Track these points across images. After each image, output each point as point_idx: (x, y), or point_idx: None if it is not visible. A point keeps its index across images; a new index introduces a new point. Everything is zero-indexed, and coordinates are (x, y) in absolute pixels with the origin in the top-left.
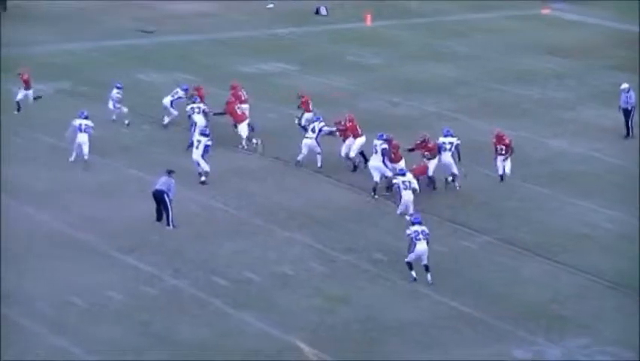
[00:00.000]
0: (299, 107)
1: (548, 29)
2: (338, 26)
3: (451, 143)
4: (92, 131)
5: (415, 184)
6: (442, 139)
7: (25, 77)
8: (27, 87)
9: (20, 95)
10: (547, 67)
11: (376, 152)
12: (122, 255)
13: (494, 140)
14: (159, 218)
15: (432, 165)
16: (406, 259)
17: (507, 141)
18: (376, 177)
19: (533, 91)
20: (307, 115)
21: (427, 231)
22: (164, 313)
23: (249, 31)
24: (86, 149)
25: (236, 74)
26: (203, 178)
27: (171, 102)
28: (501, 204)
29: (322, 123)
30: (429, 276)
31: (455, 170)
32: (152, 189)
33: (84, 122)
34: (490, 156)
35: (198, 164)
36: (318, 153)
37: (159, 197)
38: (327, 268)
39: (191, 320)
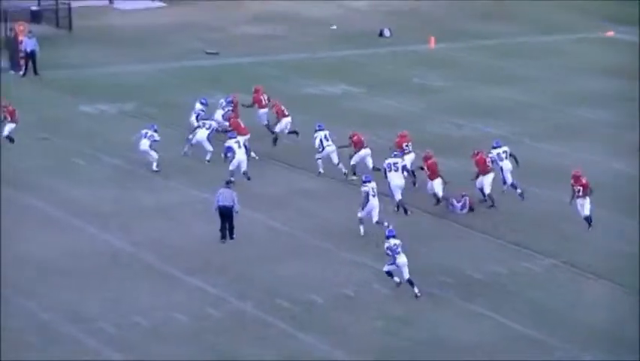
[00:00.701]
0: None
1: (612, 52)
2: (402, 48)
3: (505, 151)
4: (154, 142)
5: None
6: (494, 151)
7: (10, 108)
8: (12, 120)
9: (7, 130)
10: (612, 89)
11: (397, 170)
12: (186, 276)
13: (572, 181)
14: (224, 237)
15: (487, 181)
16: (385, 269)
17: (584, 181)
18: (398, 196)
19: (598, 114)
20: (286, 120)
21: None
22: (229, 335)
23: (312, 52)
24: (149, 157)
25: (301, 96)
26: (237, 178)
27: (222, 116)
28: (565, 226)
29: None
30: (416, 289)
31: (510, 178)
32: (217, 205)
33: (150, 131)
34: (555, 178)
35: (239, 165)
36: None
37: (227, 213)
38: (390, 290)
39: (255, 341)
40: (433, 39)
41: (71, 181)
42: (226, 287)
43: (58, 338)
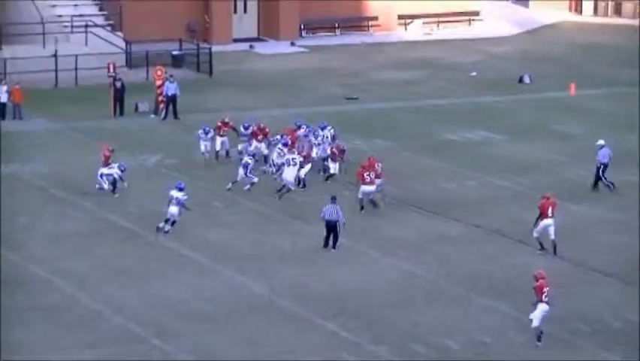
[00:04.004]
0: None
1: None
2: (542, 95)
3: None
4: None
5: None
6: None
7: (107, 153)
8: (106, 164)
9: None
10: None
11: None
12: (321, 320)
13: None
14: (326, 245)
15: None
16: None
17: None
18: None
19: None
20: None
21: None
22: None
23: (452, 98)
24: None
25: (440, 142)
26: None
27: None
28: None
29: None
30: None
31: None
32: (325, 218)
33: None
34: None
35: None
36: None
37: (333, 226)
38: (525, 337)
39: None
40: (573, 86)
41: (209, 224)
42: (361, 332)
43: None
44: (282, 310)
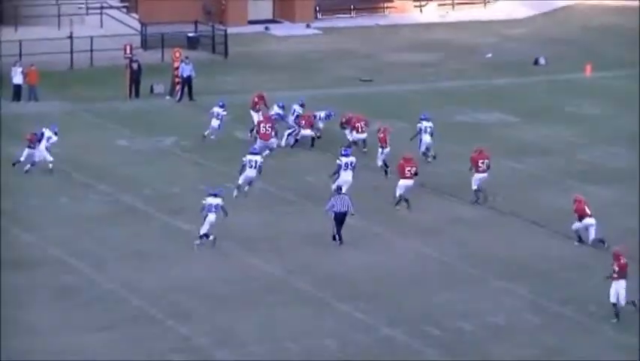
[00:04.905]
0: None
1: None
2: (557, 77)
3: (430, 127)
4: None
5: None
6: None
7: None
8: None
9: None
10: None
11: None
12: (336, 302)
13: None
14: (335, 238)
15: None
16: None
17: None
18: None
19: None
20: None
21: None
22: None
23: (467, 80)
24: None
25: (454, 124)
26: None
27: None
28: None
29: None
30: (210, 237)
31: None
32: (336, 210)
33: (220, 110)
34: None
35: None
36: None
37: (343, 218)
38: (541, 319)
39: None
40: (589, 67)
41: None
42: (376, 314)
43: None
44: (296, 292)
